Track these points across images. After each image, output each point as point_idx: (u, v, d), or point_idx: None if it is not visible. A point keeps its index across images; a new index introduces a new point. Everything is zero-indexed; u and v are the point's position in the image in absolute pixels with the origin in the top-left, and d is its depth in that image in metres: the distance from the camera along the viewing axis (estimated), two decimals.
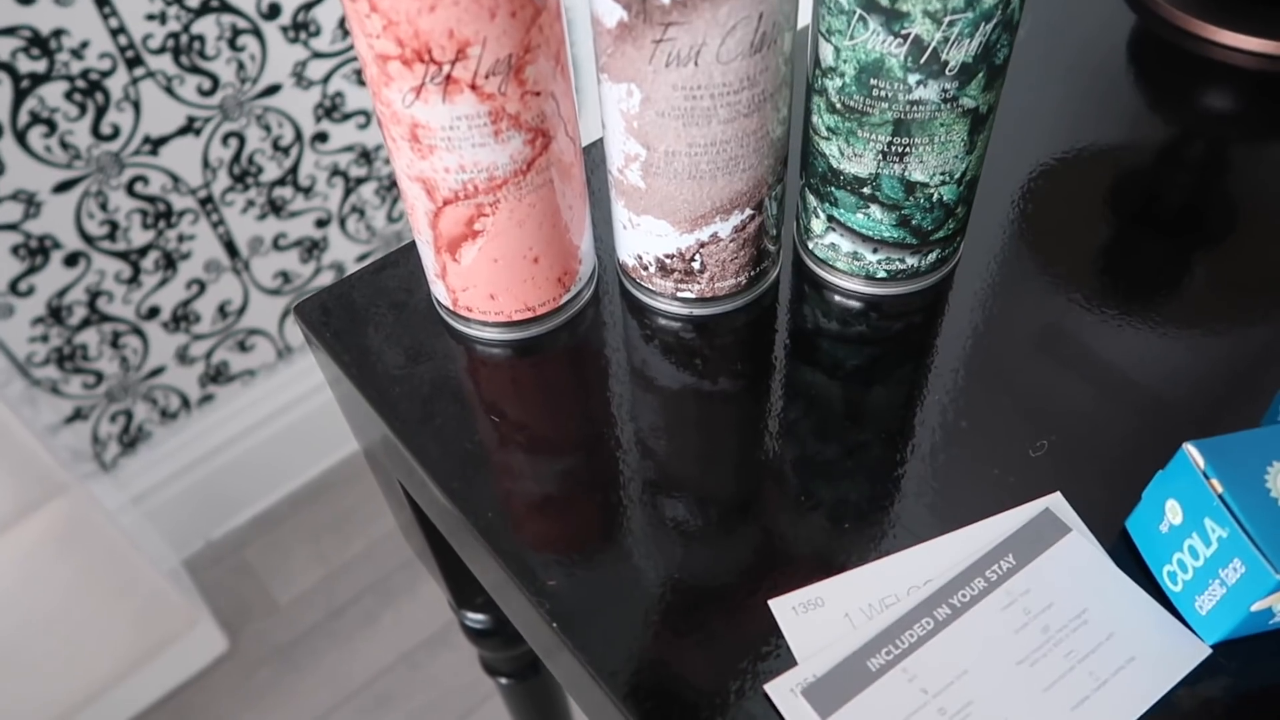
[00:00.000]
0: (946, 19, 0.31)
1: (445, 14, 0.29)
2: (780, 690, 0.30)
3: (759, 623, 0.31)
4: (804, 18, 0.49)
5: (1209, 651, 0.30)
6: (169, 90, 0.95)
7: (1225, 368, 0.38)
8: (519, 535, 0.34)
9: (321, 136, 1.09)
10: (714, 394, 0.38)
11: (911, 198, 0.36)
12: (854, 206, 0.37)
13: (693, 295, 0.39)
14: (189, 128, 0.98)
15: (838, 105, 0.34)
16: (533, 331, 0.39)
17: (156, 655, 1.08)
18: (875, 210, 0.37)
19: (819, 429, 0.36)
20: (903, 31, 0.31)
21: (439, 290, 0.39)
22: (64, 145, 0.91)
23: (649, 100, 0.32)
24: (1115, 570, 0.32)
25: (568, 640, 0.31)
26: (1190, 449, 0.29)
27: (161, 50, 0.92)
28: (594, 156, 0.46)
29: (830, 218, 0.38)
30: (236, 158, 1.03)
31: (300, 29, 1.00)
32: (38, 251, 0.96)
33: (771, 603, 0.32)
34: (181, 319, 1.11)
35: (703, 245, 0.37)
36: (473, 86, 0.30)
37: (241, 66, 0.98)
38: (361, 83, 1.08)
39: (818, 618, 0.31)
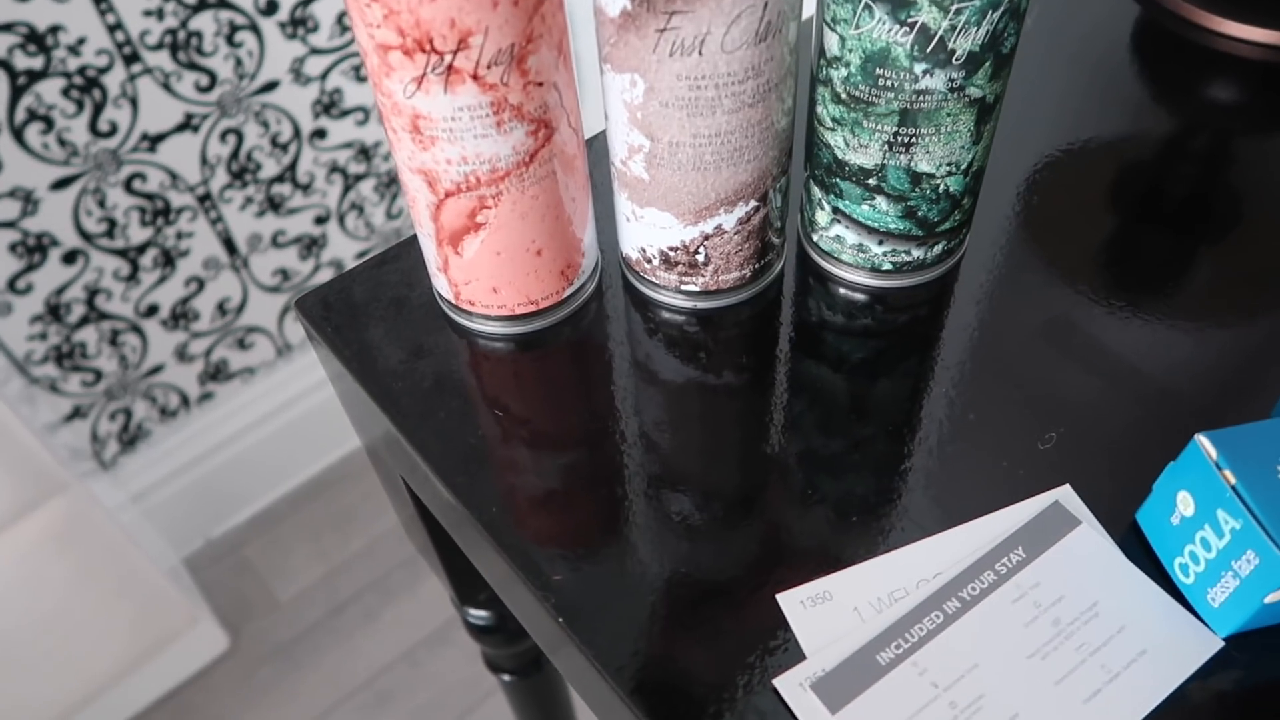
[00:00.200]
0: (953, 7, 0.30)
1: (447, 3, 0.28)
2: (789, 685, 0.29)
3: (766, 617, 0.31)
4: (809, 8, 0.49)
5: (1221, 644, 0.30)
6: (166, 87, 0.94)
7: (1233, 360, 0.38)
8: (523, 530, 0.33)
9: (320, 133, 1.08)
10: (718, 388, 0.38)
11: (917, 189, 0.36)
12: (859, 198, 0.37)
13: (697, 288, 0.39)
14: (187, 124, 0.98)
15: (843, 95, 0.34)
16: (535, 325, 0.39)
17: (157, 654, 1.08)
18: (881, 202, 0.37)
19: (824, 422, 0.36)
20: (909, 20, 0.31)
21: (441, 284, 0.38)
22: (61, 142, 0.91)
23: (653, 90, 0.32)
24: (1126, 563, 0.31)
25: (574, 635, 0.31)
26: (1202, 440, 0.29)
27: (159, 46, 0.92)
28: (596, 149, 0.46)
29: (835, 210, 0.38)
30: (235, 154, 1.03)
31: (298, 25, 1.00)
32: (36, 249, 0.95)
33: (779, 596, 0.31)
34: (180, 317, 1.10)
35: (707, 238, 0.36)
36: (475, 77, 0.30)
37: (239, 63, 0.98)
38: (360, 79, 1.08)
39: (826, 612, 0.31)
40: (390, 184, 1.19)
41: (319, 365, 1.26)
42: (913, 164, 0.35)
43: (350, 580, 1.23)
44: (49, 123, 0.90)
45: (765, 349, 0.39)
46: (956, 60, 0.32)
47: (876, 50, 0.32)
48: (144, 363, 1.10)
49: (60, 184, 0.93)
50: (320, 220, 1.15)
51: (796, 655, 0.30)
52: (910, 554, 0.32)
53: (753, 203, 0.36)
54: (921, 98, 0.33)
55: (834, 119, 0.35)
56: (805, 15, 0.36)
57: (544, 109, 0.32)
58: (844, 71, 0.33)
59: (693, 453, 0.36)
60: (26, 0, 0.83)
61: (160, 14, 0.90)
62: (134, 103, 0.93)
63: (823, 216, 0.39)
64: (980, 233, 0.42)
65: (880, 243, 0.38)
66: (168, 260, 1.05)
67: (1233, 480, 0.28)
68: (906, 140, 0.34)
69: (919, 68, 0.32)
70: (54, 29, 0.85)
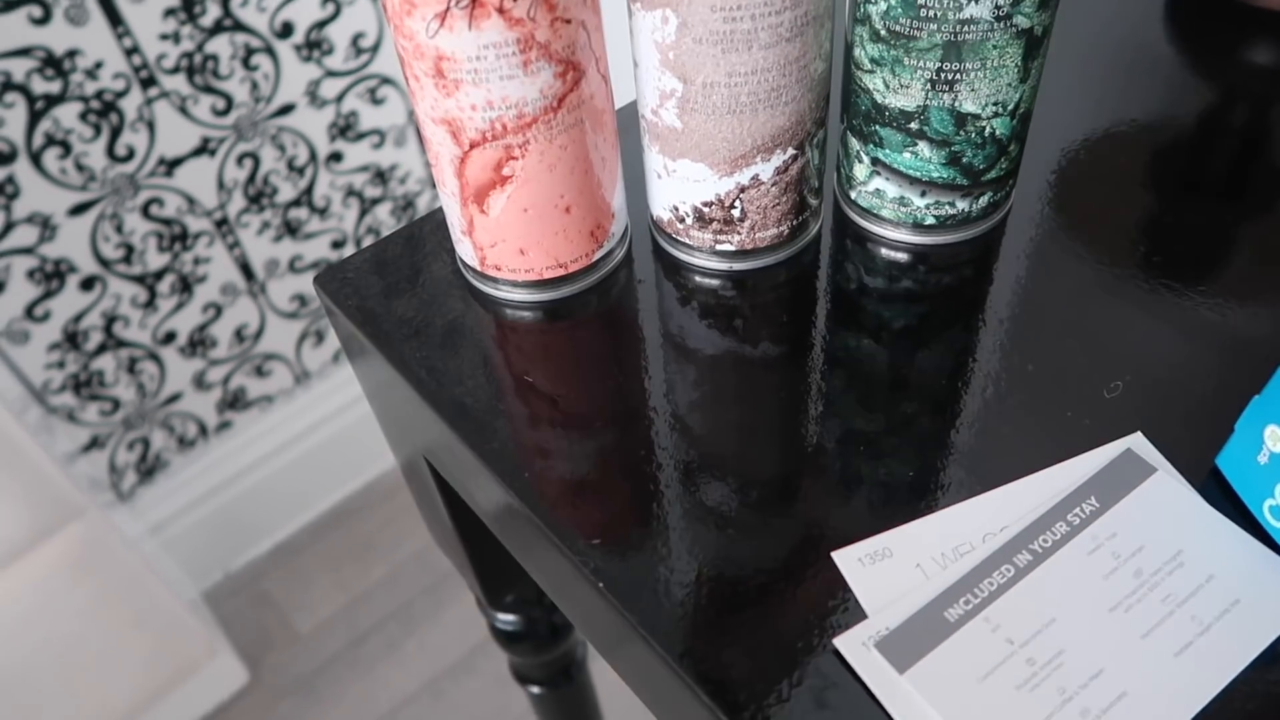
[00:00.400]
0: None
1: None
2: (851, 644, 0.27)
3: (824, 577, 0.29)
4: None
5: None
6: (183, 110, 0.94)
7: None
8: (573, 521, 0.31)
9: (336, 156, 1.08)
10: (756, 353, 0.36)
11: (962, 132, 0.34)
12: (900, 145, 0.35)
13: (732, 247, 0.37)
14: (204, 148, 0.98)
15: (882, 32, 0.33)
16: (564, 291, 0.37)
17: (174, 687, 1.06)
18: (923, 148, 0.35)
19: (875, 378, 0.34)
20: None
21: (465, 250, 0.37)
22: (79, 167, 0.91)
23: (685, 26, 0.31)
24: (1209, 509, 0.29)
25: (641, 629, 0.28)
26: None
27: (175, 70, 0.92)
28: (623, 120, 0.44)
29: (875, 160, 0.36)
30: (251, 178, 1.03)
31: (313, 47, 1.00)
32: (54, 275, 0.95)
33: (835, 555, 0.29)
34: (198, 344, 1.09)
35: (743, 190, 0.35)
36: (500, 10, 0.29)
37: (255, 86, 0.98)
38: (376, 101, 1.08)
39: (887, 569, 0.29)
40: (407, 207, 1.19)
41: (337, 392, 1.25)
42: (957, 104, 0.33)
43: (372, 610, 1.20)
44: (67, 147, 0.89)
45: (805, 311, 0.37)
46: None
47: None
48: (162, 391, 1.09)
49: (78, 209, 0.93)
50: (337, 245, 1.15)
51: (857, 615, 0.28)
52: (973, 507, 0.30)
53: (790, 151, 0.34)
54: (966, 28, 0.31)
55: (873, 59, 0.34)
56: None
57: (572, 49, 0.31)
58: (884, 5, 0.32)
59: (736, 424, 0.34)
60: (44, 24, 0.83)
61: (176, 37, 0.90)
62: (151, 127, 0.93)
63: (861, 170, 0.37)
64: (1026, 187, 0.40)
65: (923, 194, 0.36)
66: (185, 286, 1.04)
67: None
68: (950, 77, 0.33)
69: None
70: (71, 53, 0.86)
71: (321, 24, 0.99)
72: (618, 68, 0.35)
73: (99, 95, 0.89)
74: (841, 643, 0.27)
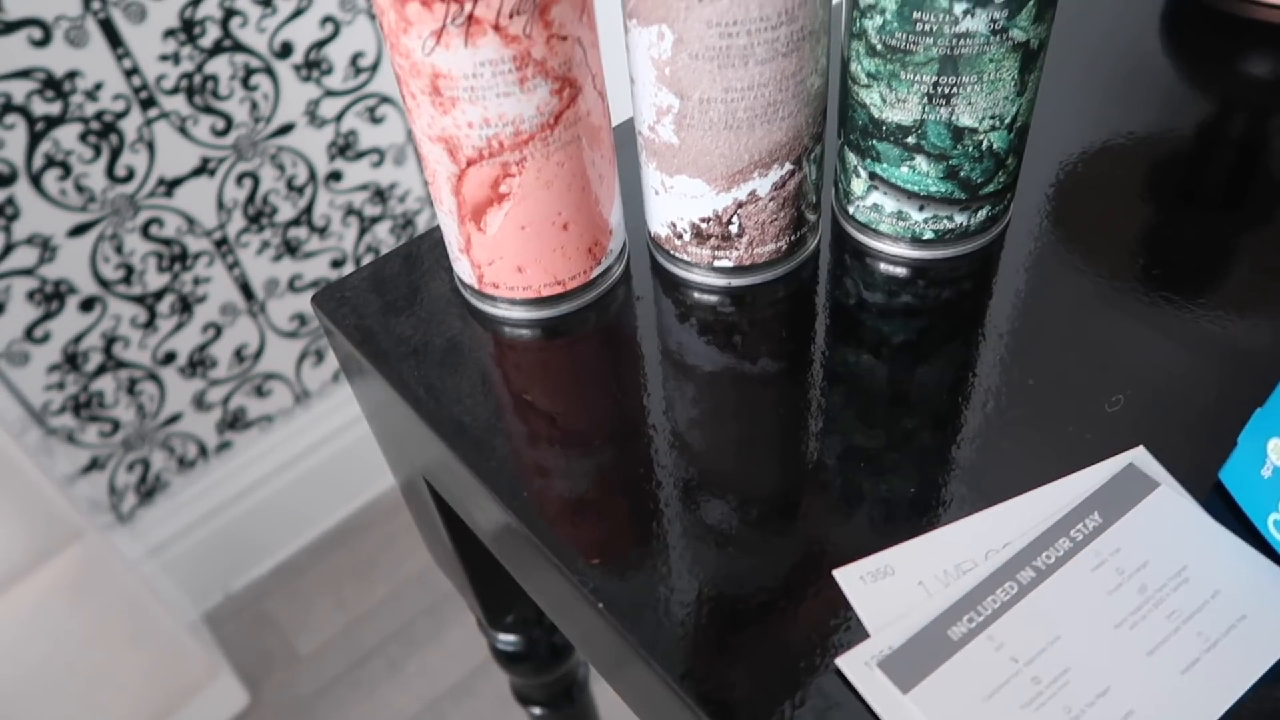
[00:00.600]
0: None
1: None
2: (853, 664, 0.27)
3: (826, 595, 0.28)
4: None
5: None
6: (183, 131, 0.95)
7: None
8: (574, 541, 0.31)
9: (335, 175, 1.08)
10: (755, 370, 0.36)
11: (959, 145, 0.34)
12: (898, 160, 0.35)
13: (731, 263, 0.37)
14: (203, 168, 0.98)
15: (878, 46, 0.33)
16: (562, 309, 0.37)
17: (176, 709, 1.05)
18: (921, 162, 0.35)
19: (875, 394, 0.34)
20: None
21: (463, 268, 0.37)
22: (79, 188, 0.91)
23: (681, 41, 0.31)
24: (1213, 523, 0.29)
25: (641, 650, 0.28)
26: None
27: (175, 90, 0.92)
28: (619, 137, 0.44)
29: (872, 175, 0.36)
30: (251, 198, 1.03)
31: (312, 67, 1.00)
32: (54, 296, 0.95)
33: (836, 573, 0.29)
34: (198, 364, 1.09)
35: (740, 205, 0.35)
36: (496, 27, 0.29)
37: (255, 106, 0.98)
38: (375, 120, 1.08)
39: (888, 587, 0.29)
40: (406, 225, 1.19)
41: (337, 411, 1.24)
42: (954, 118, 0.33)
43: (373, 630, 1.19)
44: (67, 169, 0.90)
45: (804, 327, 0.37)
46: None
47: None
48: (162, 411, 1.09)
49: (78, 230, 0.93)
50: (337, 264, 1.15)
51: (859, 634, 0.28)
52: (975, 524, 0.30)
53: (788, 165, 0.34)
54: (962, 42, 0.31)
55: (869, 74, 0.34)
56: None
57: (568, 66, 0.31)
58: (879, 20, 0.32)
59: (736, 441, 0.33)
60: (44, 46, 0.84)
61: (176, 58, 0.91)
62: (151, 147, 0.93)
63: (859, 185, 0.37)
64: (1025, 201, 0.40)
65: (921, 208, 0.36)
66: (185, 306, 1.04)
67: None
68: (947, 91, 0.33)
69: (959, 8, 0.30)
70: (71, 74, 0.86)
71: (321, 44, 1.00)
72: (614, 84, 0.35)
73: (99, 116, 0.89)
74: (844, 662, 0.27)
